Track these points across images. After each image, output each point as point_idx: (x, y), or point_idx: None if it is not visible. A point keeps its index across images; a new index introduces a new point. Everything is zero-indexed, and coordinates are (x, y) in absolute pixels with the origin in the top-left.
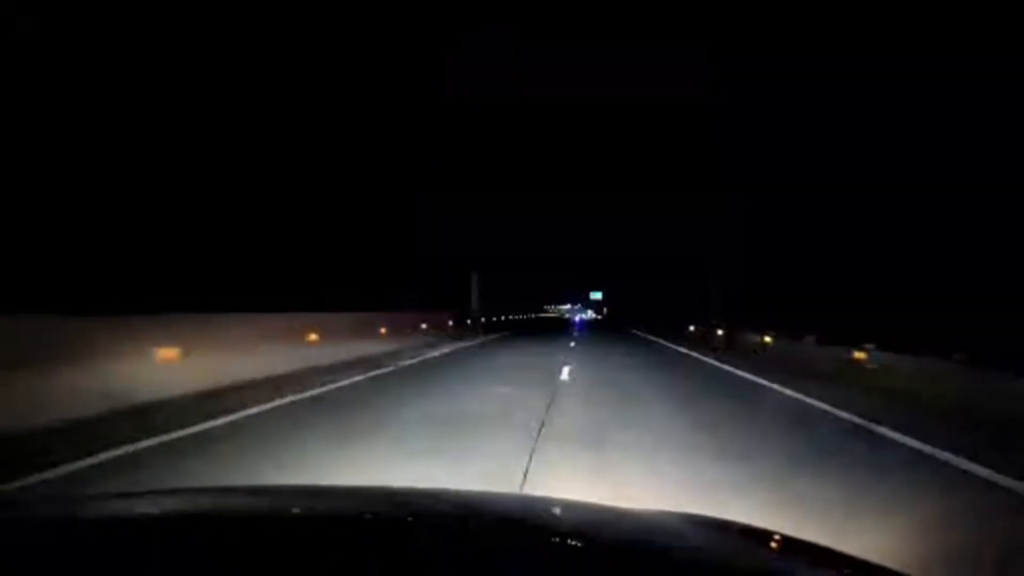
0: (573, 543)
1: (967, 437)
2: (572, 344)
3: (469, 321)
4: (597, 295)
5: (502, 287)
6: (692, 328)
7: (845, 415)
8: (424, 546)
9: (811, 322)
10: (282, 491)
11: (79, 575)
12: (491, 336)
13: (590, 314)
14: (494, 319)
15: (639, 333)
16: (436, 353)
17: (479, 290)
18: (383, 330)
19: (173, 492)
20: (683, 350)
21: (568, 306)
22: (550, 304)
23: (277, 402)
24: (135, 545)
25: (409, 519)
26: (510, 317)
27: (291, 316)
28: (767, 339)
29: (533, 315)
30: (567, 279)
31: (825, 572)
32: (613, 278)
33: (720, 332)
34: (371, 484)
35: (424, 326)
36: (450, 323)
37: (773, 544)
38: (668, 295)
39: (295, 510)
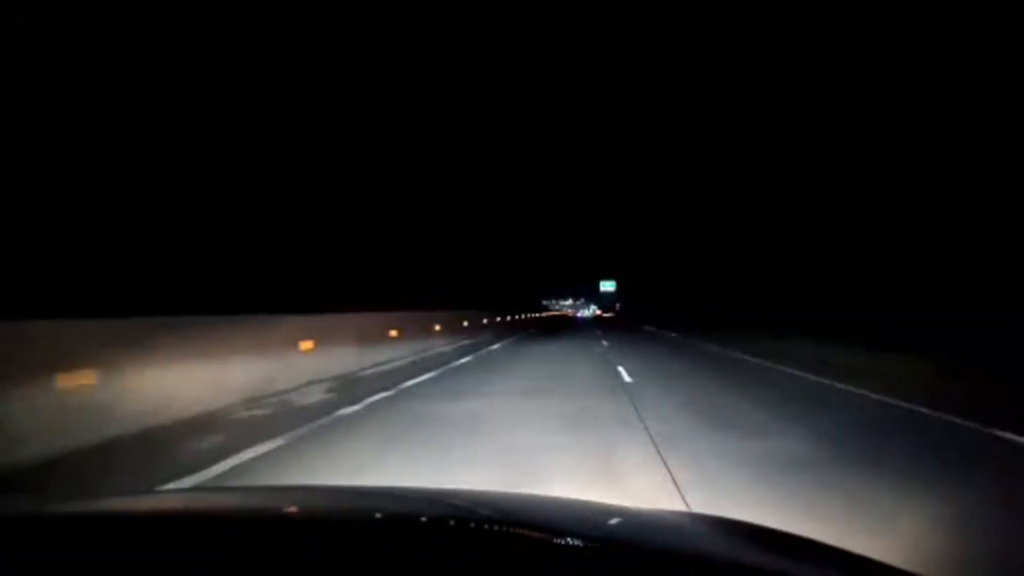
0: (580, 543)
1: None
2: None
3: None
4: (609, 286)
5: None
6: None
7: None
8: (431, 546)
9: None
10: (290, 491)
11: (82, 575)
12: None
13: (593, 310)
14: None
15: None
16: None
17: None
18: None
19: (179, 492)
20: None
21: (571, 301)
22: (550, 299)
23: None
24: (141, 545)
25: (416, 519)
26: (497, 320)
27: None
28: None
29: (529, 315)
30: (571, 266)
31: (833, 573)
32: (633, 263)
33: None
34: (380, 484)
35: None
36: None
37: (781, 544)
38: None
39: (301, 510)
